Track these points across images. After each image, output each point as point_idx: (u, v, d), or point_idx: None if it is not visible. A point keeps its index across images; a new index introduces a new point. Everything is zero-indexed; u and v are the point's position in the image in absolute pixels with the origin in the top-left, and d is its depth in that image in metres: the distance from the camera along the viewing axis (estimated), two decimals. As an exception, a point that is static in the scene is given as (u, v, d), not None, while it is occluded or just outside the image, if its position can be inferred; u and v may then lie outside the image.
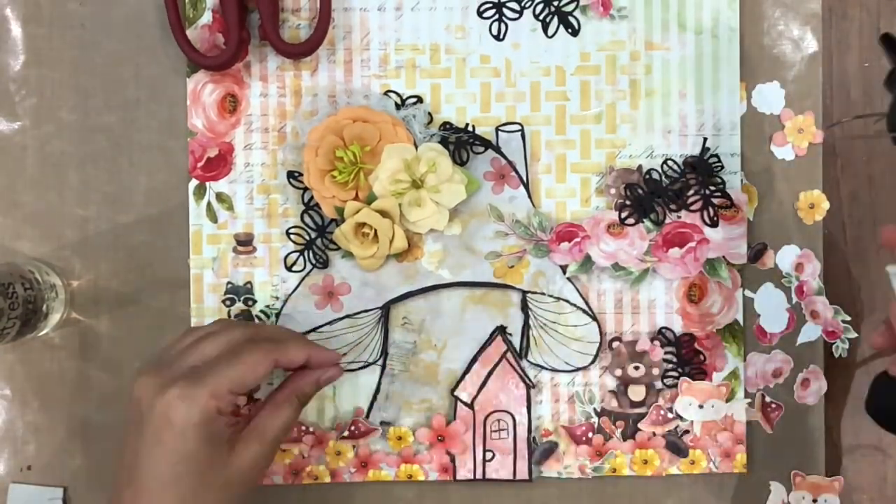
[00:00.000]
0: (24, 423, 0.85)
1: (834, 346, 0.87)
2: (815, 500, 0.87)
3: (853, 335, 0.87)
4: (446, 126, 0.85)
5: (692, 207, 0.85)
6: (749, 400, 0.86)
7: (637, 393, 0.86)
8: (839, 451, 0.88)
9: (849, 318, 0.87)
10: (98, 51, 0.85)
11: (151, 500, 0.69)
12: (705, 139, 0.85)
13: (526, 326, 0.86)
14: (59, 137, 0.85)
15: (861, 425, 0.88)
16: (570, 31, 0.85)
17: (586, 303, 0.85)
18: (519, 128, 0.85)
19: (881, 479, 0.88)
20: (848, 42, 0.88)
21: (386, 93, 0.85)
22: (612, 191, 0.85)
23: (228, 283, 0.85)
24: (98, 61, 0.85)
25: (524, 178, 0.85)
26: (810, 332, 0.87)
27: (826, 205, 0.87)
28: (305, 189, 0.84)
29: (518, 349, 0.86)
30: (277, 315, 0.85)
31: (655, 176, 0.85)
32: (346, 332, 0.85)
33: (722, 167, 0.85)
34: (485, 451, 0.86)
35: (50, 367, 0.85)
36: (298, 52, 0.83)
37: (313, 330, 0.85)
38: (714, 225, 0.84)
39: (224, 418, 0.71)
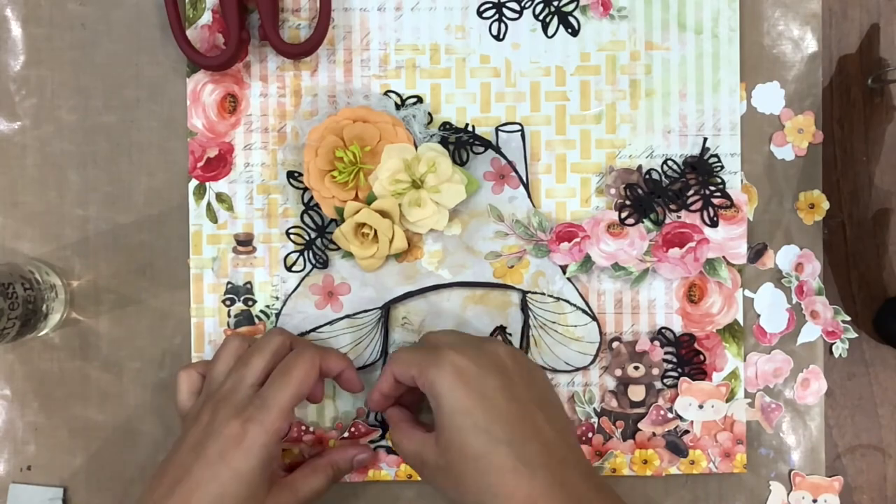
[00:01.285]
0: (24, 423, 0.85)
1: (834, 346, 0.87)
2: (815, 500, 0.87)
3: (853, 335, 0.87)
4: (446, 126, 0.85)
5: (692, 208, 0.85)
6: (749, 400, 0.86)
7: (637, 393, 0.86)
8: (839, 451, 0.88)
9: (849, 318, 0.87)
10: (98, 51, 0.85)
11: None
12: (705, 139, 0.85)
13: (526, 326, 0.86)
14: (59, 137, 0.85)
15: (861, 425, 0.88)
16: (569, 31, 0.85)
17: (586, 303, 0.85)
18: (519, 128, 0.85)
19: (881, 479, 0.88)
20: (848, 42, 0.88)
21: (386, 93, 0.85)
22: (612, 191, 0.85)
23: (228, 283, 0.85)
24: (98, 61, 0.85)
25: (524, 179, 0.85)
26: (810, 332, 0.87)
27: (826, 205, 0.87)
28: (305, 189, 0.84)
29: (518, 349, 0.86)
30: (277, 315, 0.85)
31: (655, 176, 0.85)
32: (346, 333, 0.85)
33: (722, 167, 0.85)
34: (485, 450, 0.86)
35: (50, 367, 0.85)
36: (298, 52, 0.83)
37: (313, 330, 0.85)
38: (714, 225, 0.85)
39: (281, 442, 0.77)
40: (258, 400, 0.74)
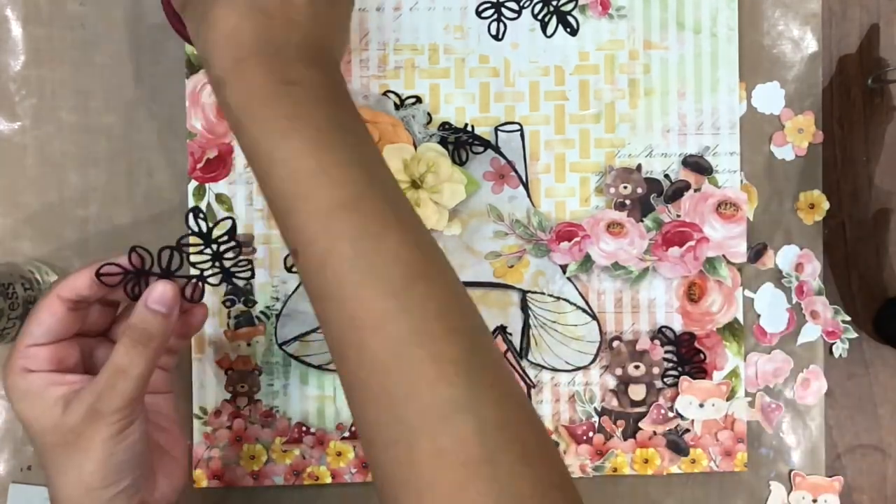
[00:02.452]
0: (24, 423, 0.85)
1: (834, 346, 0.87)
2: (815, 500, 0.87)
3: (853, 335, 0.87)
4: (445, 126, 0.85)
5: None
6: (749, 399, 0.86)
7: (637, 392, 0.86)
8: (839, 451, 0.88)
9: (849, 318, 0.87)
10: (98, 51, 0.85)
11: None
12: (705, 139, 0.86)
13: (526, 326, 0.86)
14: (59, 137, 0.85)
15: (861, 425, 0.88)
16: (568, 30, 0.85)
17: (586, 302, 0.85)
18: (518, 127, 0.85)
19: (881, 479, 0.88)
20: (848, 42, 0.88)
21: (385, 93, 0.85)
22: (612, 190, 0.85)
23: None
24: (98, 61, 0.85)
25: (523, 178, 0.85)
26: (810, 332, 0.87)
27: (826, 205, 0.87)
28: (305, 189, 0.84)
29: (518, 349, 0.86)
30: (278, 316, 0.85)
31: (655, 175, 0.85)
32: (347, 333, 0.85)
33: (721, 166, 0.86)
34: (485, 451, 0.86)
35: (50, 367, 0.85)
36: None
37: (313, 330, 0.85)
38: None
39: (38, 375, 0.68)
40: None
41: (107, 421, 0.66)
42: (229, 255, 0.71)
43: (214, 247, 0.71)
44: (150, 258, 0.69)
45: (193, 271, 0.70)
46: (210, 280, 0.71)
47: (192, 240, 0.70)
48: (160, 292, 0.68)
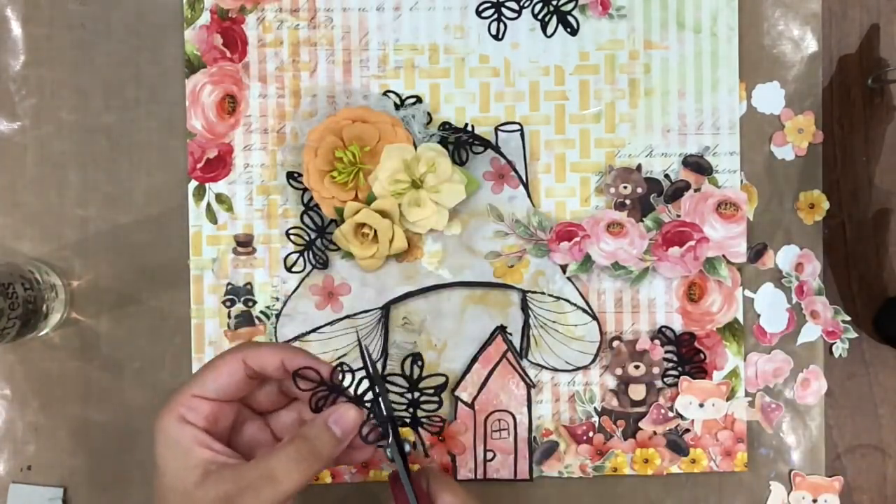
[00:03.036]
0: (24, 423, 0.85)
1: (834, 346, 0.87)
2: (815, 500, 0.87)
3: (853, 335, 0.87)
4: (445, 126, 0.85)
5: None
6: (749, 399, 0.86)
7: (637, 392, 0.86)
8: (839, 451, 0.88)
9: (849, 318, 0.87)
10: (98, 51, 0.85)
11: None
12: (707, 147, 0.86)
13: (526, 326, 0.86)
14: (59, 137, 0.85)
15: (861, 425, 0.88)
16: (568, 30, 0.85)
17: (586, 302, 0.85)
18: (518, 127, 0.85)
19: (881, 479, 0.88)
20: (848, 42, 0.88)
21: (385, 93, 0.85)
22: (612, 190, 0.85)
23: (228, 283, 0.85)
24: (98, 61, 0.85)
25: (524, 178, 0.85)
26: (810, 332, 0.87)
27: (826, 205, 0.87)
28: (305, 190, 0.84)
29: (518, 349, 0.86)
30: (278, 316, 0.85)
31: (655, 175, 0.85)
32: (347, 333, 0.85)
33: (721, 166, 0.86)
34: (485, 450, 0.86)
35: (50, 367, 0.85)
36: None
37: (314, 330, 0.85)
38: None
39: (191, 429, 0.66)
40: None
41: None
42: (427, 406, 0.69)
43: (416, 394, 0.69)
44: (350, 379, 0.67)
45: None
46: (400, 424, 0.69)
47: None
48: (347, 417, 0.66)
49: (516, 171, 0.85)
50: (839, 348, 0.87)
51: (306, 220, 0.85)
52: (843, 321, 0.87)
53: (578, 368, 0.86)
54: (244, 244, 0.85)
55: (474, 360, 0.85)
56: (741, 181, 0.86)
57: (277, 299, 0.85)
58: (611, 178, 0.85)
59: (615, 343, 0.86)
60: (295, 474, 0.64)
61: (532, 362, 0.86)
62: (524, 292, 0.85)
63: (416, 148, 0.82)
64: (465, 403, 0.85)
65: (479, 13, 0.85)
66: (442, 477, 0.71)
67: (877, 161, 0.88)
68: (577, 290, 0.85)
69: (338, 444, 0.66)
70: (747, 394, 0.86)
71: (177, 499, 0.65)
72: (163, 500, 0.66)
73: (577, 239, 0.85)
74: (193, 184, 0.85)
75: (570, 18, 0.85)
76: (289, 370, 0.67)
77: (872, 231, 0.88)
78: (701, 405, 0.86)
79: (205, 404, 0.67)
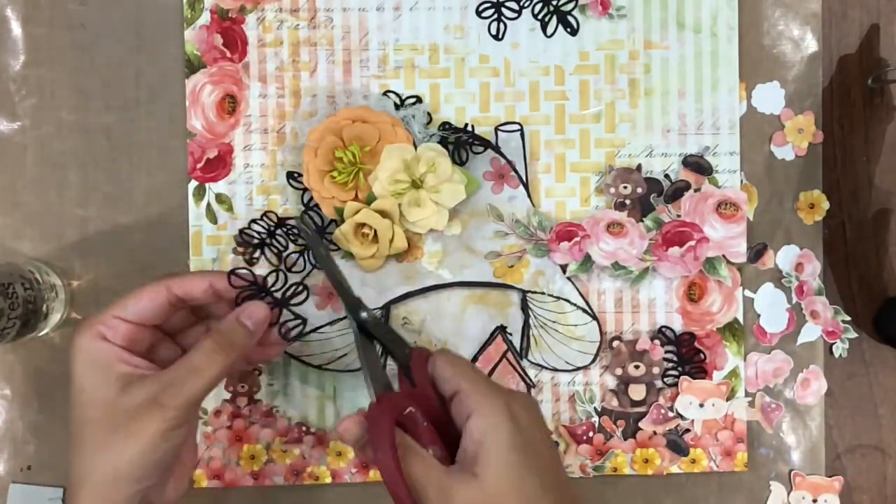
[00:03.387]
0: (24, 423, 0.85)
1: (834, 346, 0.87)
2: (815, 500, 0.87)
3: (853, 335, 0.87)
4: (445, 126, 0.85)
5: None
6: (749, 399, 0.86)
7: (637, 392, 0.86)
8: (839, 451, 0.88)
9: (849, 318, 0.87)
10: (98, 51, 0.85)
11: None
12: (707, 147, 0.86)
13: (526, 326, 0.86)
14: (59, 137, 0.85)
15: (861, 425, 0.88)
16: (568, 30, 0.85)
17: (586, 302, 0.85)
18: (518, 127, 0.85)
19: (881, 479, 0.88)
20: (848, 42, 0.88)
21: (385, 93, 0.85)
22: (612, 190, 0.85)
23: (228, 283, 0.85)
24: (98, 61, 0.85)
25: (524, 178, 0.85)
26: (810, 332, 0.87)
27: (826, 205, 0.87)
28: (305, 190, 0.84)
29: (518, 349, 0.86)
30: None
31: (655, 175, 0.85)
32: (347, 333, 0.85)
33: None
34: (485, 451, 0.86)
35: (50, 367, 0.85)
36: None
37: (314, 330, 0.84)
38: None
39: (110, 346, 0.70)
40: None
41: (165, 415, 0.67)
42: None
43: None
44: (280, 283, 0.75)
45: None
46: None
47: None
48: (254, 310, 0.73)
49: (516, 171, 0.85)
50: (839, 348, 0.87)
51: (306, 220, 0.84)
52: (843, 321, 0.87)
53: (578, 368, 0.86)
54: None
55: (474, 360, 0.85)
56: (741, 181, 0.86)
57: (277, 299, 0.85)
58: (611, 178, 0.85)
59: (615, 343, 0.86)
60: (214, 364, 0.70)
61: (532, 362, 0.86)
62: (524, 292, 0.85)
63: (416, 148, 0.82)
64: (466, 403, 0.85)
65: (479, 13, 0.85)
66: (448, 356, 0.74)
67: (877, 161, 0.88)
68: (577, 290, 0.85)
69: (250, 335, 0.72)
70: (747, 394, 0.86)
71: (98, 410, 0.69)
72: (82, 415, 0.70)
73: (577, 239, 0.85)
74: (193, 184, 0.85)
75: (570, 18, 0.85)
76: (216, 288, 0.73)
77: (872, 231, 0.88)
78: (701, 405, 0.86)
79: (123, 325, 0.71)
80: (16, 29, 0.85)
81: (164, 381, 0.68)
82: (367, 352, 0.77)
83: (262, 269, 0.84)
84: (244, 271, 0.74)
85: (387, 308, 0.85)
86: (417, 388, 0.72)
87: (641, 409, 0.86)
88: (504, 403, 0.67)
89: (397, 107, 0.85)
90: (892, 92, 0.87)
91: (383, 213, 0.82)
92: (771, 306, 0.87)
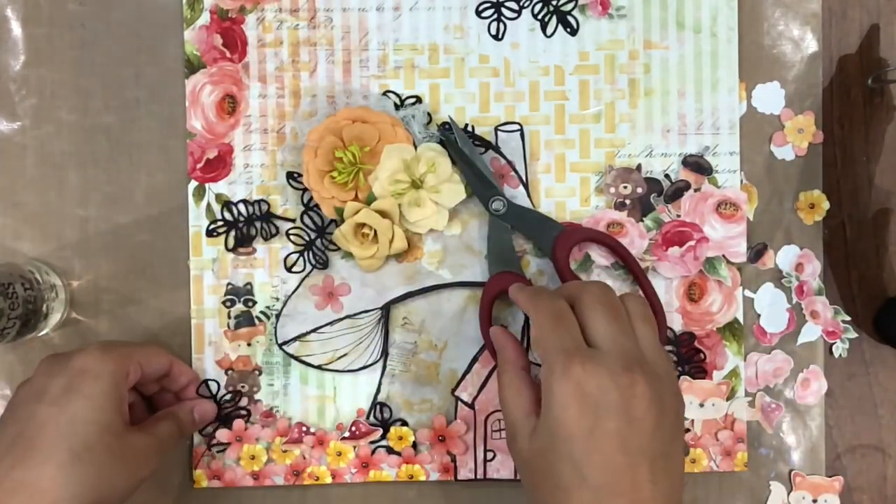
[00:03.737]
0: (24, 423, 0.85)
1: (834, 346, 0.87)
2: (815, 500, 0.87)
3: (853, 335, 0.87)
4: (446, 126, 0.85)
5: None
6: (749, 399, 0.86)
7: (637, 392, 0.86)
8: (839, 451, 0.88)
9: (849, 318, 0.87)
10: (98, 51, 0.85)
11: (51, 454, 0.70)
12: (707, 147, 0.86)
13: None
14: (59, 137, 0.85)
15: (861, 425, 0.88)
16: (568, 30, 0.85)
17: (586, 302, 0.85)
18: (518, 127, 0.85)
19: (881, 479, 0.88)
20: (848, 42, 0.88)
21: (385, 93, 0.85)
22: (612, 190, 0.85)
23: (228, 284, 0.85)
24: (98, 61, 0.85)
25: (523, 178, 0.85)
26: (810, 332, 0.87)
27: (826, 205, 0.87)
28: (305, 190, 0.84)
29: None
30: (278, 316, 0.85)
31: (655, 175, 0.85)
32: (347, 333, 0.85)
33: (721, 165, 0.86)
34: (486, 450, 0.86)
35: (50, 367, 0.85)
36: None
37: (314, 331, 0.85)
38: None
39: (125, 388, 0.76)
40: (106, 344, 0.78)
41: (154, 465, 0.77)
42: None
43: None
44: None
45: None
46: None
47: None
48: (207, 410, 0.85)
49: (516, 171, 0.85)
50: (839, 348, 0.87)
51: (306, 220, 0.85)
52: (843, 321, 0.87)
53: (578, 368, 0.86)
54: (244, 244, 0.85)
55: (474, 360, 0.85)
56: (741, 181, 0.86)
57: (277, 299, 0.85)
58: (611, 178, 0.85)
59: (615, 343, 0.85)
60: (168, 438, 0.79)
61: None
62: (524, 292, 0.85)
63: (415, 148, 0.82)
64: (466, 403, 0.85)
65: (478, 13, 0.85)
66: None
67: (877, 161, 0.88)
68: (577, 289, 0.85)
69: (195, 425, 0.84)
70: (747, 394, 0.86)
71: (103, 437, 0.72)
72: (75, 431, 0.72)
73: (577, 239, 0.85)
74: (193, 184, 0.85)
75: (569, 18, 0.85)
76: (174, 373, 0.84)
77: (872, 231, 0.88)
78: (701, 405, 0.86)
79: (139, 373, 0.78)
80: (16, 29, 0.85)
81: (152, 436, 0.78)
82: (498, 232, 0.84)
83: (261, 270, 0.84)
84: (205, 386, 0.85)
85: (387, 308, 0.85)
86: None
87: (641, 409, 0.86)
88: (559, 377, 0.68)
89: (397, 107, 0.85)
90: (893, 92, 0.87)
91: (383, 214, 0.82)
92: (771, 306, 0.87)
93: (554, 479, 0.68)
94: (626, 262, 0.83)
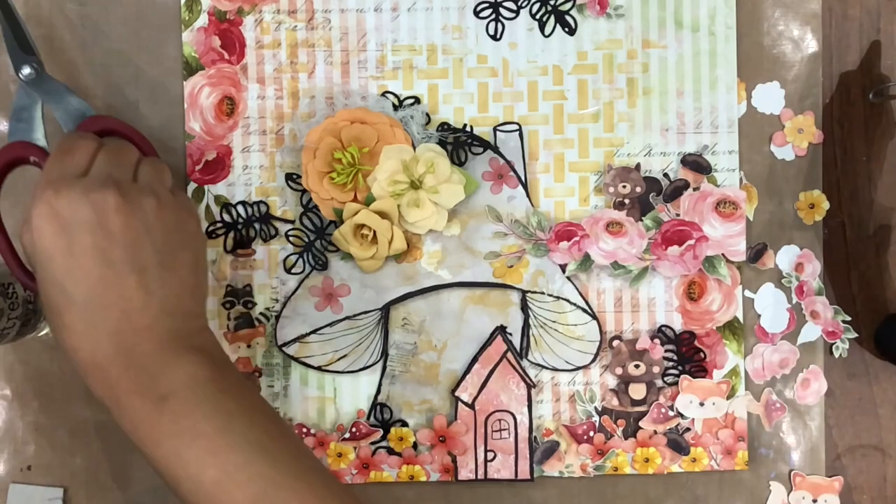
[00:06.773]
0: (24, 423, 0.85)
1: (834, 346, 0.87)
2: (815, 500, 0.87)
3: (853, 335, 0.87)
4: (444, 126, 0.85)
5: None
6: (753, 393, 0.86)
7: (638, 391, 0.86)
8: (839, 451, 0.88)
9: (849, 318, 0.87)
10: (98, 51, 0.85)
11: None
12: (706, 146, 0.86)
13: (526, 326, 0.86)
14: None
15: (861, 425, 0.88)
16: (566, 30, 0.85)
17: (586, 302, 0.85)
18: (517, 127, 0.85)
19: (881, 479, 0.88)
20: (848, 42, 0.88)
21: (383, 94, 0.85)
22: (611, 189, 0.85)
23: (228, 285, 0.85)
24: (98, 61, 0.85)
25: (522, 178, 0.85)
26: (810, 332, 0.87)
27: (826, 205, 0.87)
28: (304, 191, 0.84)
29: (518, 349, 0.86)
30: (277, 317, 0.85)
31: (654, 174, 0.85)
32: (347, 334, 0.85)
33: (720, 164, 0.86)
34: (486, 451, 0.86)
35: (50, 367, 0.85)
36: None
37: (313, 332, 0.85)
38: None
39: None
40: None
41: None
42: None
43: None
44: None
45: None
46: None
47: None
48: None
49: (515, 171, 0.85)
50: (839, 348, 0.87)
51: (305, 221, 0.85)
52: (843, 321, 0.87)
53: (578, 368, 0.86)
54: (243, 245, 0.85)
55: (474, 360, 0.85)
56: (741, 181, 0.86)
57: (277, 301, 0.85)
58: (610, 177, 0.85)
59: (615, 342, 0.85)
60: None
61: (532, 362, 0.86)
62: (524, 292, 0.85)
63: (414, 148, 0.83)
64: (466, 404, 0.85)
65: (476, 13, 0.85)
66: None
67: (877, 161, 0.88)
68: (577, 289, 0.85)
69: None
70: (753, 386, 0.86)
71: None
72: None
73: (577, 238, 0.85)
74: (192, 185, 0.85)
75: (567, 18, 0.85)
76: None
77: (872, 231, 0.88)
78: (701, 404, 0.86)
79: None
80: (15, 30, 0.85)
81: None
82: (25, 100, 0.80)
83: (260, 272, 0.85)
84: None
85: (386, 309, 0.85)
86: None
87: (642, 409, 0.86)
88: (34, 203, 0.70)
89: (396, 107, 0.85)
90: (893, 107, 0.87)
91: (382, 214, 0.82)
92: (771, 306, 0.87)
93: (48, 306, 0.70)
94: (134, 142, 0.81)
